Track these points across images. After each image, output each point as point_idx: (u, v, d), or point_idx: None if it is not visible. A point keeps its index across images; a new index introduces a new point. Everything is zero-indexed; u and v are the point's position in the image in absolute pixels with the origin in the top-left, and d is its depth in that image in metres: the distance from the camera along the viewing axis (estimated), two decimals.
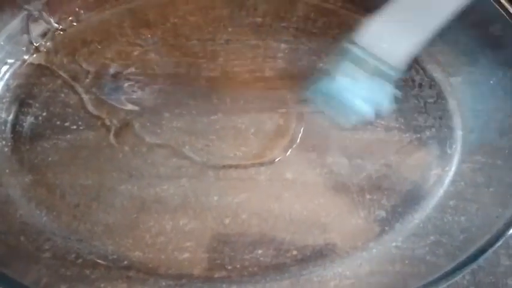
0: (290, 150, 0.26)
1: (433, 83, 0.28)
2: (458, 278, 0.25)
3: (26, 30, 0.27)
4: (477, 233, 0.23)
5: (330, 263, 0.24)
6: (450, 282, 0.24)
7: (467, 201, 0.25)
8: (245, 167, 0.26)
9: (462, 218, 0.25)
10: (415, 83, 0.28)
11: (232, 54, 0.28)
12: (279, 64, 0.28)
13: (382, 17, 0.22)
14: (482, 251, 0.21)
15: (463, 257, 0.22)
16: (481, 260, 0.25)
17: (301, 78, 0.28)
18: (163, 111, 0.27)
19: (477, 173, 0.26)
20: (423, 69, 0.29)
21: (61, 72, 0.27)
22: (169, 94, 0.27)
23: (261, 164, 0.26)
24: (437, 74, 0.29)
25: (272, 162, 0.26)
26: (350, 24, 0.30)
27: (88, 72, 0.27)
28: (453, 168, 0.26)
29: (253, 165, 0.26)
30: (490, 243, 0.21)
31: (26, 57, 0.27)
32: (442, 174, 0.26)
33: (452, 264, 0.21)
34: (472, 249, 0.22)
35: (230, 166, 0.26)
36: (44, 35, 0.29)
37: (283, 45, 0.29)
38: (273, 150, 0.26)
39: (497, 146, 0.26)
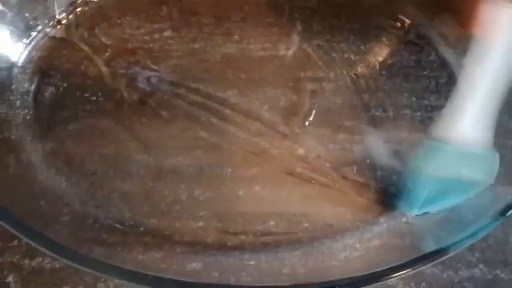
0: (303, 126, 0.27)
1: (444, 64, 0.29)
2: (468, 255, 0.25)
3: (49, 4, 0.28)
4: (486, 210, 0.23)
5: (340, 235, 0.24)
6: (459, 257, 0.25)
7: None
8: (259, 141, 0.26)
9: (472, 196, 0.25)
10: (427, 64, 0.29)
11: (247, 32, 0.29)
12: (294, 42, 0.29)
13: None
14: (490, 222, 0.22)
15: (470, 229, 0.22)
16: (490, 238, 0.25)
17: (315, 57, 0.29)
18: (179, 85, 0.27)
19: None
20: (435, 50, 0.29)
21: (82, 45, 0.28)
22: (186, 69, 0.28)
23: (275, 139, 0.26)
24: (449, 55, 0.29)
25: (285, 137, 0.26)
26: (364, 6, 0.30)
27: (107, 46, 0.28)
28: None
29: (267, 139, 0.26)
30: (498, 216, 0.22)
31: (48, 30, 0.28)
32: None
33: (460, 236, 0.22)
34: (480, 222, 0.22)
35: (244, 140, 0.26)
36: (66, 9, 0.30)
37: (297, 24, 0.29)
38: (286, 126, 0.27)
39: (507, 127, 0.26)
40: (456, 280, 0.24)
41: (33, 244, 0.19)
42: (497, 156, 0.23)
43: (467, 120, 0.22)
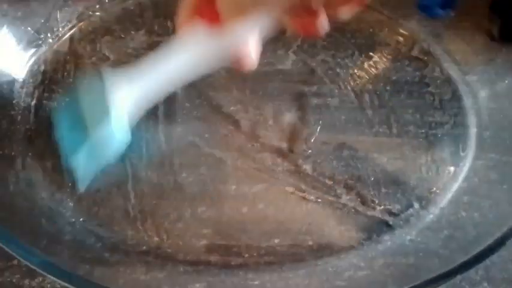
0: (308, 143, 0.26)
1: (449, 81, 0.29)
2: (471, 273, 0.25)
3: (52, 17, 0.28)
4: (490, 228, 0.23)
5: (345, 254, 0.24)
6: (463, 275, 0.25)
7: (481, 197, 0.26)
8: (263, 157, 0.26)
9: (475, 214, 0.25)
10: (431, 80, 0.29)
11: None
12: (298, 58, 0.29)
13: None
14: (496, 245, 0.22)
15: (475, 251, 0.22)
16: (494, 256, 0.25)
17: (319, 72, 0.28)
18: (183, 101, 0.27)
19: (491, 170, 0.26)
20: (440, 67, 0.29)
21: (84, 59, 0.28)
22: (190, 85, 0.28)
23: (279, 155, 0.26)
24: (454, 72, 0.29)
25: (289, 153, 0.26)
26: (368, 21, 0.30)
27: (110, 59, 0.28)
28: (467, 165, 0.27)
29: (270, 156, 0.26)
30: (504, 238, 0.22)
31: (50, 43, 0.28)
32: (457, 170, 0.26)
33: (465, 258, 0.22)
34: (484, 244, 0.22)
35: (248, 156, 0.26)
36: (68, 22, 0.29)
37: (302, 39, 0.29)
38: (290, 142, 0.27)
39: (510, 144, 0.27)
40: None
41: (32, 266, 0.19)
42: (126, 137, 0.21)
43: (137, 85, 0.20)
